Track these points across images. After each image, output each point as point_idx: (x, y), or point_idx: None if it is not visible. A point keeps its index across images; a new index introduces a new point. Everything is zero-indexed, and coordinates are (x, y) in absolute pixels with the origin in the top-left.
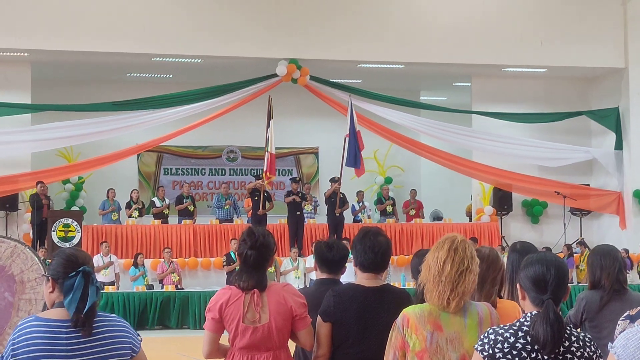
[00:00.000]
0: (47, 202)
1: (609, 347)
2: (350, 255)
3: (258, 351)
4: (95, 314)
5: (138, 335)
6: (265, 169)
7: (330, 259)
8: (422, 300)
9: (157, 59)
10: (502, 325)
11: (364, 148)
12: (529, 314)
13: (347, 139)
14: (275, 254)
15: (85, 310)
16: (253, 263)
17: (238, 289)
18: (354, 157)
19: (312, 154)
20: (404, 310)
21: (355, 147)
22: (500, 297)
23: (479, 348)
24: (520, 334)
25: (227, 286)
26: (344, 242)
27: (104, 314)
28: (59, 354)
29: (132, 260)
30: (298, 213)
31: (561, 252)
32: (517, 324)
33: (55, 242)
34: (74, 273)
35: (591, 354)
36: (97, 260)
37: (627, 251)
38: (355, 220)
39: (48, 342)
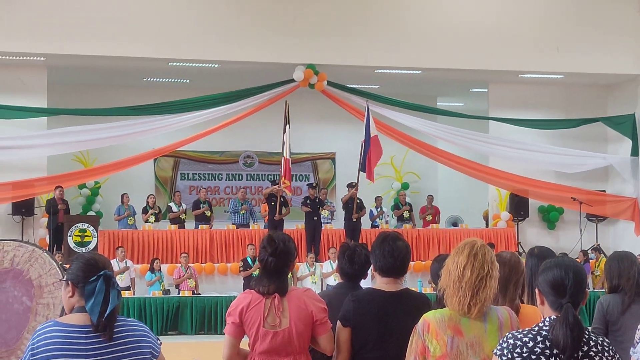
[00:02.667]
0: (63, 207)
1: (631, 352)
2: None
3: (278, 356)
4: (116, 318)
5: (158, 339)
6: (281, 174)
7: (351, 273)
8: (443, 306)
9: (174, 63)
10: (520, 330)
11: (382, 154)
12: (547, 319)
13: (363, 144)
14: (296, 259)
15: (106, 315)
16: (273, 269)
17: (258, 293)
18: (364, 163)
19: (329, 159)
20: (424, 315)
21: (366, 153)
22: (522, 302)
23: (498, 353)
24: (539, 338)
25: (247, 290)
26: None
27: (124, 319)
28: (79, 359)
29: (149, 265)
30: (315, 218)
31: (577, 257)
32: (536, 328)
33: (72, 247)
34: (94, 277)
35: (610, 358)
36: (113, 265)
37: None
38: (373, 226)
39: (68, 347)
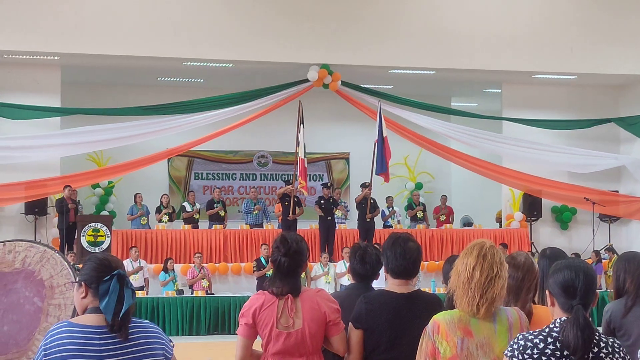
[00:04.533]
0: (74, 207)
1: (638, 355)
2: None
3: (291, 357)
4: (131, 318)
5: (170, 341)
6: (297, 175)
7: (363, 273)
8: (453, 307)
9: (188, 63)
10: (531, 331)
11: (390, 155)
12: (558, 320)
13: (376, 144)
14: (308, 259)
15: (122, 314)
16: (287, 270)
17: (272, 294)
18: (381, 164)
19: (342, 159)
20: (434, 316)
21: (381, 154)
22: (534, 303)
23: (509, 354)
24: (549, 339)
25: (260, 291)
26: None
27: (138, 320)
28: (92, 359)
29: (162, 265)
30: (329, 218)
31: (590, 258)
32: (547, 329)
33: (85, 247)
34: (108, 277)
35: (620, 359)
36: (127, 265)
37: None
38: (386, 226)
39: (82, 347)
